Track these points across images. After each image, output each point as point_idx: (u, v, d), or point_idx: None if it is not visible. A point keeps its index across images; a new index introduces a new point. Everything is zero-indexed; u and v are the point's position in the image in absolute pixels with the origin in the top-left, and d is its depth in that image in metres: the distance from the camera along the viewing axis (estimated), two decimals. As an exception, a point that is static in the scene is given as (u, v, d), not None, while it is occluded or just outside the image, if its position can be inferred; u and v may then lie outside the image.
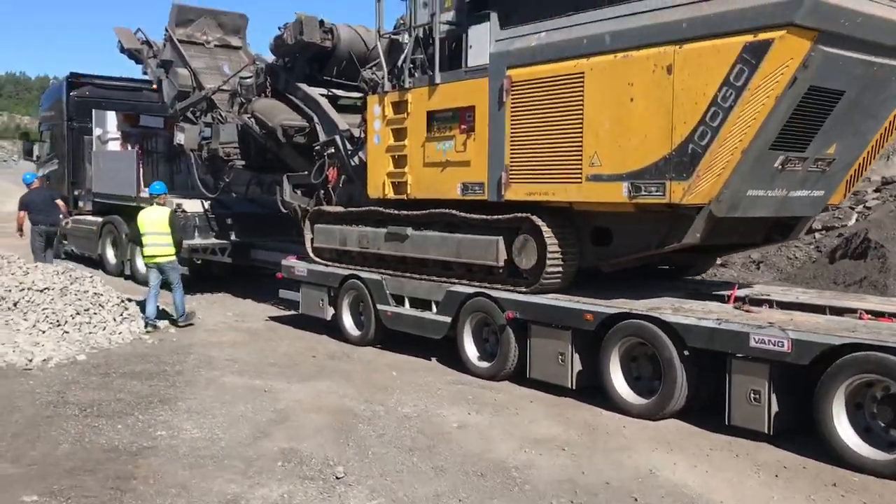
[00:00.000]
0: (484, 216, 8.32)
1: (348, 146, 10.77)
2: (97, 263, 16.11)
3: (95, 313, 10.30)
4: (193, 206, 13.98)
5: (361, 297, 9.95)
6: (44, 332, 9.85)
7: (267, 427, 6.55)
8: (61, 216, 14.29)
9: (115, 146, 16.73)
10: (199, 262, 13.84)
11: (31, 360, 8.69)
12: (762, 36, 6.09)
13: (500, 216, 8.18)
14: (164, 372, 8.43)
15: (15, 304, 10.40)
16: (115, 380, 8.05)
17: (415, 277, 9.20)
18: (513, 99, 7.95)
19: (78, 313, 10.17)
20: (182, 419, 6.73)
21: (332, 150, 11.00)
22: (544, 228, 7.75)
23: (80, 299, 10.47)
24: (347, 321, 10.14)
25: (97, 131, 16.52)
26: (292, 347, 9.76)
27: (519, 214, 7.98)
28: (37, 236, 13.65)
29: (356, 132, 10.77)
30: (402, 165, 9.32)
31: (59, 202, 14.34)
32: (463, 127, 8.55)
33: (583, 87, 7.27)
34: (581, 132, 7.29)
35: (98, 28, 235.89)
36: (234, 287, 14.29)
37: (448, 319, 8.61)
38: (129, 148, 16.70)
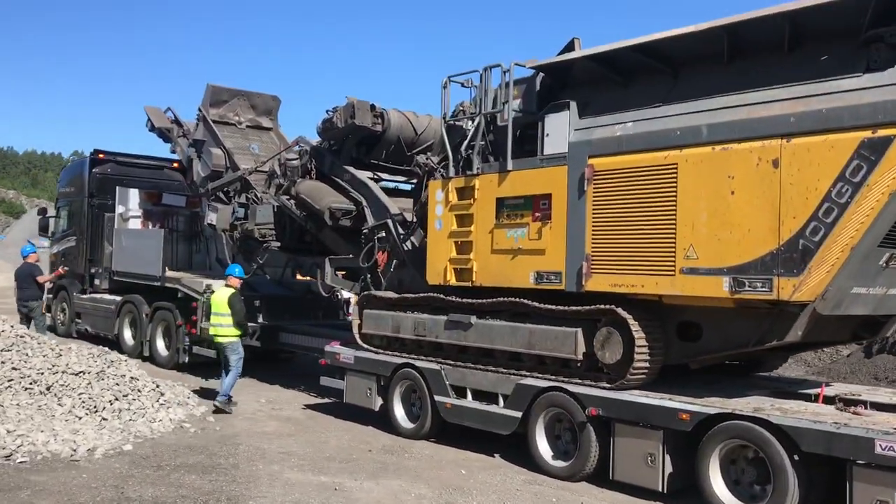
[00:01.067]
0: (561, 307, 8.02)
1: (400, 230, 10.56)
2: (113, 344, 15.55)
3: (134, 399, 9.81)
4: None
5: (415, 388, 9.57)
6: (80, 418, 9.36)
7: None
8: (44, 293, 14.90)
9: (136, 224, 16.45)
10: (228, 345, 13.34)
11: (75, 450, 8.15)
12: (882, 132, 6.00)
13: (579, 307, 7.89)
14: (219, 465, 7.93)
15: (48, 388, 9.93)
16: (171, 473, 7.55)
17: (479, 368, 8.83)
18: (595, 188, 7.79)
19: (116, 399, 9.70)
20: None
21: (383, 234, 10.77)
22: (631, 322, 7.47)
23: (117, 384, 10.01)
24: (399, 412, 9.71)
25: (119, 208, 16.26)
26: (342, 440, 9.29)
27: (602, 306, 7.70)
28: (19, 311, 14.14)
29: (408, 216, 10.58)
30: (467, 252, 9.09)
31: (40, 278, 14.59)
32: (537, 215, 8.36)
33: (676, 178, 7.13)
34: (674, 224, 7.12)
35: (89, 104, 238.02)
36: (259, 371, 13.77)
37: (518, 414, 8.23)
38: (151, 226, 16.44)
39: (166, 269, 14.55)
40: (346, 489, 7.21)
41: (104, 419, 9.29)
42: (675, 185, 7.14)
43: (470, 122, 9.49)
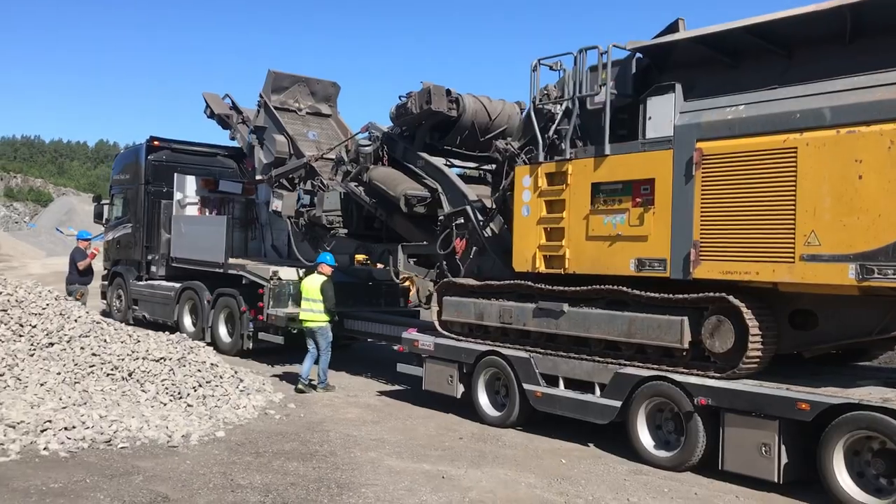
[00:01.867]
0: (666, 295, 7.82)
1: (479, 217, 10.40)
2: (172, 330, 15.50)
3: (217, 385, 9.73)
4: (288, 273, 13.52)
5: (501, 376, 9.43)
6: (165, 404, 9.32)
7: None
8: (89, 280, 15.42)
9: (192, 211, 16.41)
10: (295, 331, 13.27)
11: (170, 437, 8.09)
12: None
13: (687, 295, 7.69)
14: (317, 452, 7.85)
15: (130, 374, 9.89)
16: (272, 460, 7.47)
17: (574, 357, 8.64)
18: (704, 172, 7.59)
19: (200, 385, 9.64)
20: None
21: (461, 221, 10.62)
22: (744, 309, 7.26)
23: (199, 370, 9.96)
24: (483, 400, 9.59)
25: (177, 195, 16.21)
26: (429, 428, 9.19)
27: (712, 294, 7.49)
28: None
29: (487, 203, 10.42)
30: (559, 238, 8.92)
31: (80, 264, 15.18)
32: (638, 200, 8.16)
33: (796, 162, 6.93)
34: (793, 209, 6.92)
35: (109, 94, 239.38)
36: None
37: (618, 404, 8.07)
38: (207, 213, 16.40)
39: (229, 256, 14.45)
40: (453, 477, 7.09)
41: (189, 405, 9.23)
42: (794, 169, 6.93)
43: (558, 107, 9.30)
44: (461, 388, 9.86)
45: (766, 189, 7.13)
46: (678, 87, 7.98)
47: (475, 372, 9.65)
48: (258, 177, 14.75)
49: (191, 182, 16.47)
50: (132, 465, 7.07)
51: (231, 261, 14.43)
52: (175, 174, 16.34)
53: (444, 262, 10.91)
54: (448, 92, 11.22)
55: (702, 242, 7.60)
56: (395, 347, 10.91)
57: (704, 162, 7.61)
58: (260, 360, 13.62)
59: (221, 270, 14.48)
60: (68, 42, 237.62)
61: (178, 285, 15.69)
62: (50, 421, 8.09)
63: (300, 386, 11.06)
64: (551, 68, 9.51)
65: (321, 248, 13.44)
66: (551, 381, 8.91)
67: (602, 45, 8.65)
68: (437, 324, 10.52)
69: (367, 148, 11.99)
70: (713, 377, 7.48)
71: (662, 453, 7.82)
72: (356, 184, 12.58)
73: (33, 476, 6.56)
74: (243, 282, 14.06)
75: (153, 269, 16.79)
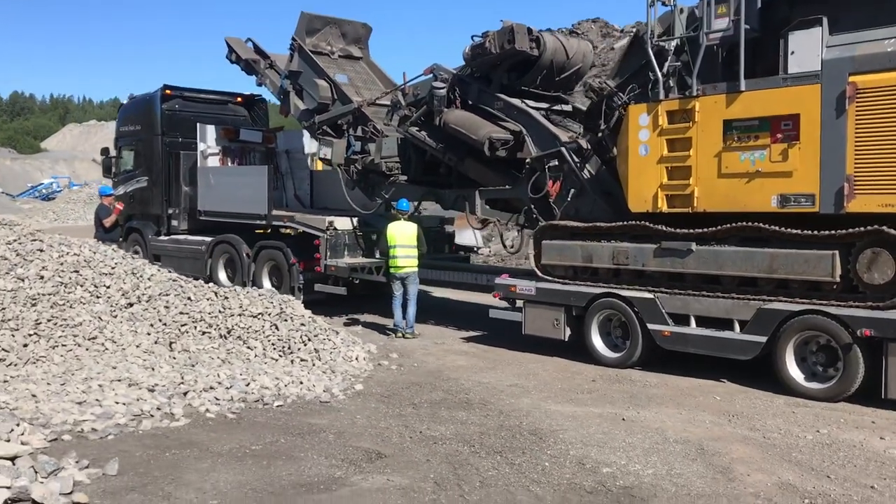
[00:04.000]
0: (815, 231, 7.80)
1: (575, 158, 10.15)
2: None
3: (326, 339, 9.35)
4: (343, 223, 13.13)
5: (615, 316, 9.42)
6: (276, 360, 8.95)
7: (715, 461, 5.91)
8: (116, 235, 15.11)
9: (214, 161, 15.67)
10: (357, 281, 12.92)
11: (312, 392, 7.76)
12: None
13: (838, 230, 7.67)
14: (470, 401, 7.76)
15: (229, 332, 9.47)
16: (436, 411, 7.35)
17: (708, 295, 8.57)
18: (859, 106, 7.53)
19: (309, 339, 9.25)
20: (591, 452, 6.10)
21: (555, 163, 10.36)
22: (905, 240, 7.30)
23: (303, 324, 9.56)
24: (598, 342, 9.58)
25: (200, 146, 15.42)
26: (549, 372, 9.17)
27: (868, 227, 7.48)
28: None
29: (583, 143, 10.18)
30: (685, 177, 8.81)
31: (106, 221, 14.74)
32: (779, 136, 8.09)
33: (966, 93, 6.88)
34: (964, 139, 6.89)
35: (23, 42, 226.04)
36: (371, 307, 13.46)
37: (763, 339, 8.13)
38: (230, 163, 15.70)
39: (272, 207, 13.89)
40: (633, 419, 7.08)
41: (303, 360, 8.90)
42: (964, 100, 6.89)
43: (668, 44, 9.07)
44: (568, 331, 9.78)
45: (934, 121, 7.09)
46: (825, 20, 7.84)
47: (588, 314, 9.58)
48: (304, 124, 14.11)
49: (211, 132, 15.70)
50: (307, 422, 6.80)
51: (275, 212, 13.86)
52: (198, 124, 15.57)
53: (533, 206, 10.67)
54: (529, 31, 10.85)
55: (856, 176, 7.58)
56: (493, 294, 10.64)
57: (860, 96, 7.55)
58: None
59: (264, 223, 13.91)
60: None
61: (209, 239, 15.05)
62: (182, 383, 7.69)
63: (401, 333, 11.25)
64: (663, 3, 9.26)
65: (378, 195, 13.06)
66: (679, 319, 8.85)
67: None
68: (535, 268, 10.33)
69: (441, 91, 11.53)
70: (874, 308, 7.49)
71: (815, 385, 7.92)
72: (417, 128, 12.16)
73: (224, 440, 6.26)
74: (290, 233, 13.56)
75: (174, 223, 16.05)
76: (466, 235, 14.79)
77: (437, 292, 14.88)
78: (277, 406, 7.27)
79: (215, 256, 14.91)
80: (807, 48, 7.94)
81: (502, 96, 11.14)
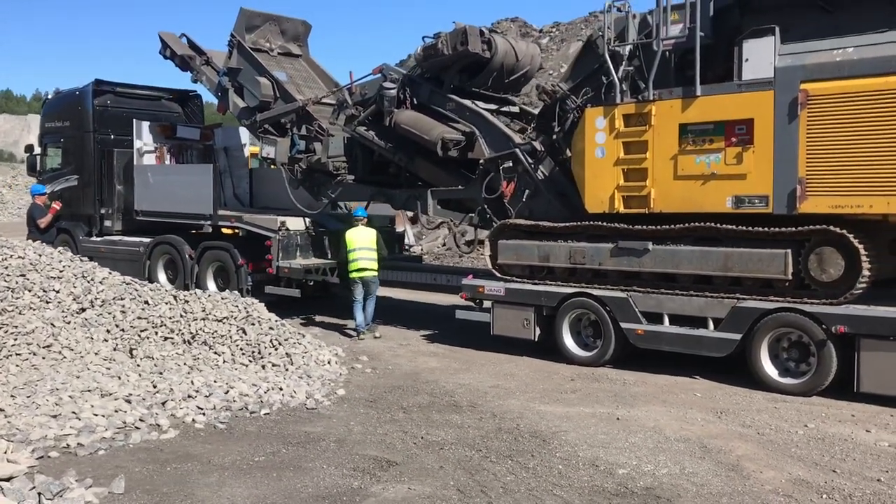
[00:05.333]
0: (769, 229, 8.25)
1: (529, 159, 10.42)
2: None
3: (297, 343, 9.31)
4: (296, 224, 13.00)
5: (586, 315, 9.64)
6: (245, 366, 8.86)
7: (722, 459, 6.14)
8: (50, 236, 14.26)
9: (150, 159, 15.25)
10: (311, 283, 12.84)
11: (294, 398, 7.74)
12: None
13: (791, 228, 8.15)
14: (458, 404, 7.77)
15: (193, 337, 9.29)
16: (428, 415, 7.36)
17: (682, 294, 8.89)
18: (810, 112, 8.01)
19: (280, 343, 9.17)
20: (600, 453, 6.22)
21: (509, 164, 10.60)
22: (852, 238, 7.82)
23: (271, 328, 9.46)
24: (569, 341, 9.75)
25: (137, 143, 14.97)
26: (525, 372, 9.25)
27: (821, 226, 7.98)
28: None
29: (537, 145, 10.45)
30: (641, 179, 9.13)
31: (40, 221, 14.27)
32: (733, 140, 8.49)
33: (912, 101, 7.44)
34: (911, 144, 7.46)
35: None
36: (324, 309, 13.45)
37: (737, 337, 8.42)
38: (167, 161, 15.32)
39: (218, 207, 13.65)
40: (627, 418, 7.21)
41: (275, 365, 8.81)
42: (909, 107, 7.45)
43: (625, 48, 9.40)
44: (538, 331, 9.96)
45: (880, 127, 7.63)
46: (777, 29, 8.30)
47: (559, 314, 9.76)
48: (244, 122, 13.90)
49: (147, 129, 15.25)
50: (301, 431, 6.75)
51: (221, 212, 13.63)
52: (134, 120, 15.06)
53: (486, 206, 10.89)
54: (481, 32, 11.03)
55: (808, 179, 8.05)
56: (460, 294, 10.76)
57: (811, 102, 8.01)
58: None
59: (209, 223, 13.65)
60: None
61: (147, 240, 14.62)
62: (158, 392, 7.56)
63: (363, 334, 11.37)
64: (619, 10, 9.58)
65: (324, 194, 13.00)
66: (651, 318, 9.12)
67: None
68: (491, 267, 10.55)
69: (391, 91, 11.58)
70: (846, 305, 7.87)
71: (790, 380, 8.22)
72: (366, 128, 12.20)
73: (222, 451, 6.15)
74: (238, 234, 13.38)
75: (107, 223, 15.52)
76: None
77: (389, 293, 14.96)
78: (265, 414, 7.16)
79: (154, 258, 14.47)
80: (760, 56, 8.34)
81: (454, 97, 11.27)
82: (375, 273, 11.52)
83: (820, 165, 7.99)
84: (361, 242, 11.48)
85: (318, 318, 12.98)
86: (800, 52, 8.19)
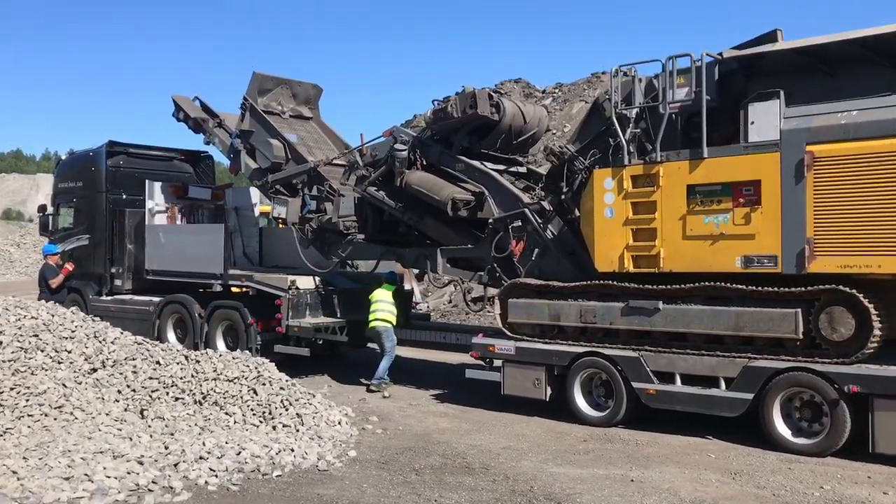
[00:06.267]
0: (780, 289, 8.30)
1: (538, 219, 10.55)
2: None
3: (307, 403, 9.30)
4: (305, 282, 13.07)
5: (598, 375, 9.63)
6: (256, 426, 8.83)
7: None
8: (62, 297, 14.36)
9: (161, 219, 15.43)
10: (320, 342, 12.87)
11: (305, 460, 7.70)
12: None
13: (801, 288, 8.20)
14: (470, 465, 7.73)
15: (204, 397, 9.28)
16: (441, 477, 7.32)
17: (694, 353, 8.90)
18: (816, 174, 8.13)
19: (291, 404, 9.15)
20: None
21: (518, 224, 10.72)
22: (862, 297, 7.87)
23: (282, 388, 9.46)
24: (581, 401, 9.72)
25: (149, 203, 15.17)
26: (537, 432, 9.19)
27: (827, 286, 8.04)
28: None
29: (546, 205, 10.58)
30: (650, 238, 9.23)
31: (51, 282, 14.39)
32: (741, 200, 8.61)
33: (914, 162, 7.58)
34: (922, 205, 7.55)
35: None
36: (331, 368, 13.44)
37: (749, 396, 8.41)
38: (178, 221, 15.51)
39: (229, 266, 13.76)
40: (642, 480, 7.16)
41: (286, 426, 8.78)
42: (915, 168, 7.57)
43: (632, 111, 9.59)
44: (549, 391, 9.93)
45: (886, 188, 7.75)
46: (781, 93, 8.48)
47: (570, 374, 9.75)
48: (255, 182, 14.12)
49: (159, 189, 15.49)
50: (314, 493, 6.72)
51: (231, 271, 13.73)
52: (147, 181, 15.30)
53: (496, 265, 10.97)
54: (490, 96, 11.27)
55: (816, 239, 8.14)
56: (470, 353, 10.75)
57: (817, 164, 8.15)
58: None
59: (220, 282, 13.74)
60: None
61: (156, 299, 14.71)
62: (169, 453, 7.54)
63: (372, 388, 11.89)
64: (625, 74, 9.81)
65: (334, 253, 13.12)
66: (663, 377, 9.11)
67: (695, 54, 9.02)
68: (502, 326, 10.58)
69: (402, 153, 11.78)
70: (859, 365, 7.89)
71: (803, 441, 8.18)
72: (376, 188, 12.38)
73: (237, 514, 6.13)
74: (246, 291, 13.47)
75: (117, 282, 15.63)
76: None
77: (398, 350, 14.96)
78: (277, 476, 7.12)
79: (164, 317, 14.54)
80: (766, 119, 8.52)
81: (463, 158, 11.46)
82: (390, 324, 12.00)
83: (828, 226, 8.09)
84: (382, 296, 12.15)
85: (326, 378, 12.94)
86: (805, 114, 8.37)
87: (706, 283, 8.77)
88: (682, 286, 8.95)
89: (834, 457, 7.90)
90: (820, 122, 8.22)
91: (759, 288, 8.44)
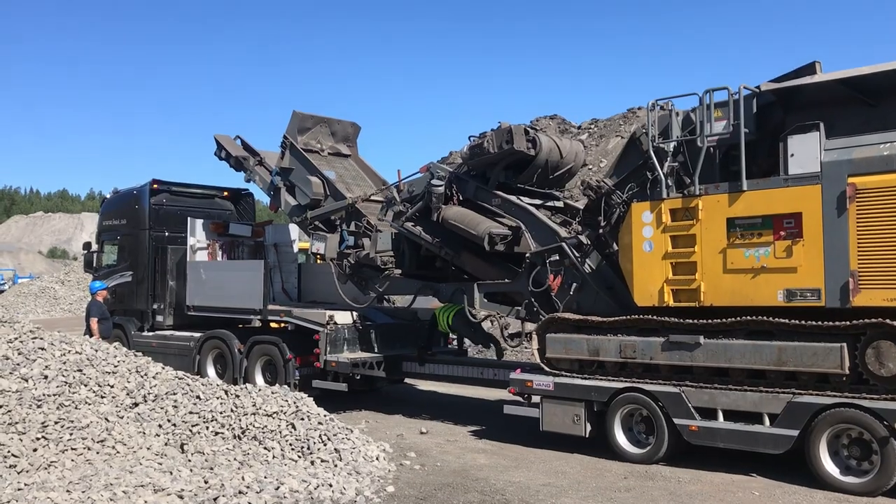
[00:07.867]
0: (824, 323, 8.14)
1: (576, 253, 10.51)
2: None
3: (345, 438, 9.29)
4: (343, 318, 13.14)
5: (638, 411, 9.49)
6: (295, 461, 8.83)
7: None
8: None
9: (202, 255, 15.69)
10: (358, 377, 12.90)
11: (343, 494, 7.68)
12: None
13: (847, 322, 8.04)
14: (510, 503, 7.62)
15: (243, 432, 9.32)
16: (480, 514, 7.23)
17: (736, 389, 8.75)
18: (859, 205, 8.02)
19: (329, 439, 9.16)
20: None
21: (556, 258, 10.70)
22: (911, 332, 7.69)
23: (320, 423, 9.47)
24: (621, 438, 9.58)
25: (190, 240, 15.45)
26: (577, 470, 9.08)
27: (871, 320, 7.87)
28: None
29: (583, 239, 10.55)
30: (690, 272, 9.13)
31: (92, 321, 14.34)
32: (782, 233, 8.51)
33: (962, 193, 7.43)
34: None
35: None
36: (369, 403, 13.41)
37: (794, 433, 8.22)
38: (220, 257, 15.75)
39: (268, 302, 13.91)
40: None
41: (324, 461, 8.78)
42: (962, 199, 7.43)
43: (670, 145, 9.56)
44: (589, 427, 9.81)
45: (932, 219, 7.60)
46: (821, 125, 8.42)
47: (610, 410, 9.63)
48: (294, 219, 14.32)
49: (200, 226, 15.78)
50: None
51: (270, 307, 13.86)
52: (189, 218, 15.60)
53: (534, 300, 10.94)
54: (526, 131, 11.33)
55: (860, 271, 8.00)
56: (508, 389, 10.68)
57: (859, 196, 8.04)
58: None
59: (259, 317, 13.89)
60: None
61: (197, 335, 14.89)
62: (209, 487, 7.57)
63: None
64: (662, 108, 9.81)
65: (372, 288, 13.19)
66: (705, 413, 8.95)
67: (732, 87, 9.00)
68: (540, 361, 10.51)
69: (438, 188, 11.88)
70: (891, 399, 7.72)
71: (852, 479, 7.96)
72: (413, 223, 12.46)
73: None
74: (288, 328, 13.59)
75: (159, 318, 15.88)
76: None
77: (435, 387, 14.98)
78: (315, 511, 7.21)
79: (204, 352, 14.71)
80: (806, 151, 8.45)
81: (500, 193, 11.52)
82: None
83: (872, 258, 7.96)
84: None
85: (363, 413, 12.94)
86: (846, 146, 8.29)
87: (748, 318, 8.64)
88: (724, 320, 8.83)
89: (885, 496, 7.68)
90: (861, 153, 8.14)
91: (803, 322, 8.29)
